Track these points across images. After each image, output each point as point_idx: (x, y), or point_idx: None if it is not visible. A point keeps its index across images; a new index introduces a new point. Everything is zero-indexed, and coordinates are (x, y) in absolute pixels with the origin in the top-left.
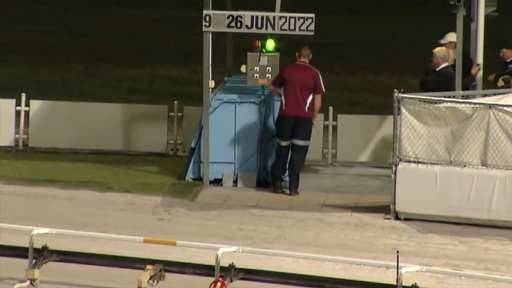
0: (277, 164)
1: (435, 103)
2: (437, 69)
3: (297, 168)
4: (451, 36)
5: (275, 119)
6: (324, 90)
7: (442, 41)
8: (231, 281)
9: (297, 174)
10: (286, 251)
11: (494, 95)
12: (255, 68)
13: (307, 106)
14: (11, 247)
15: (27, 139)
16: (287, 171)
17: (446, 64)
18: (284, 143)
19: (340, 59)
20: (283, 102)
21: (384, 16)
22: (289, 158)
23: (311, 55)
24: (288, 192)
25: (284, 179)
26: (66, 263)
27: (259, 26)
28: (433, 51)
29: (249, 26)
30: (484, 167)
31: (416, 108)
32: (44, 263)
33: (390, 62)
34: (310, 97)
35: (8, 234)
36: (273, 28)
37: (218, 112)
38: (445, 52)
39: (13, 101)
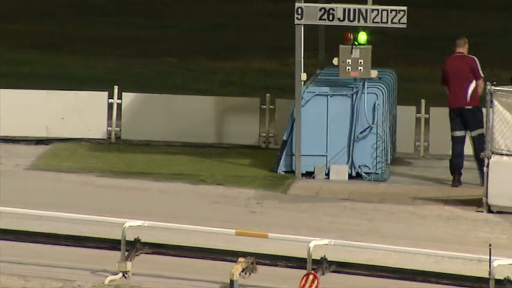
0: (452, 156)
1: None
2: None
3: (481, 160)
4: None
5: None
6: (482, 75)
7: None
8: (323, 274)
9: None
10: (378, 244)
11: None
12: (347, 61)
13: (469, 95)
14: (104, 239)
15: (119, 132)
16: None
17: None
18: (457, 133)
19: (432, 51)
20: (448, 96)
21: (477, 9)
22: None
23: (467, 44)
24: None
25: (462, 172)
26: (158, 256)
27: (351, 18)
28: None
29: (341, 18)
30: None
31: (509, 101)
32: (136, 255)
33: (483, 55)
34: (472, 85)
35: (101, 226)
36: (365, 21)
37: (310, 105)
38: None
39: (106, 94)
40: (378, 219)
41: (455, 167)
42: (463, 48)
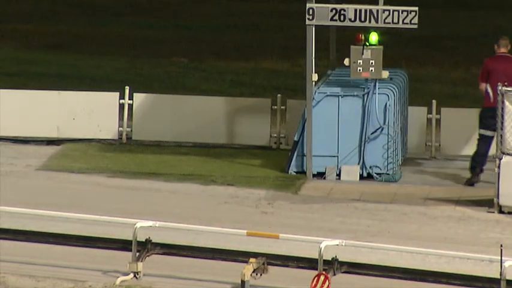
0: (477, 154)
1: None
2: None
3: None
4: None
5: (481, 112)
6: None
7: None
8: (334, 275)
9: None
10: (389, 245)
11: None
12: (358, 61)
13: None
14: (115, 240)
15: (130, 132)
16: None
17: None
18: (488, 133)
19: (444, 52)
20: (490, 95)
21: (488, 8)
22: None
23: (509, 45)
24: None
25: (484, 170)
26: (170, 256)
27: (362, 19)
28: None
29: (352, 19)
30: None
31: None
32: (148, 255)
33: (493, 54)
34: None
35: (112, 227)
36: (376, 21)
37: (321, 105)
38: None
39: (117, 94)
40: (389, 220)
41: (478, 164)
42: (505, 48)
